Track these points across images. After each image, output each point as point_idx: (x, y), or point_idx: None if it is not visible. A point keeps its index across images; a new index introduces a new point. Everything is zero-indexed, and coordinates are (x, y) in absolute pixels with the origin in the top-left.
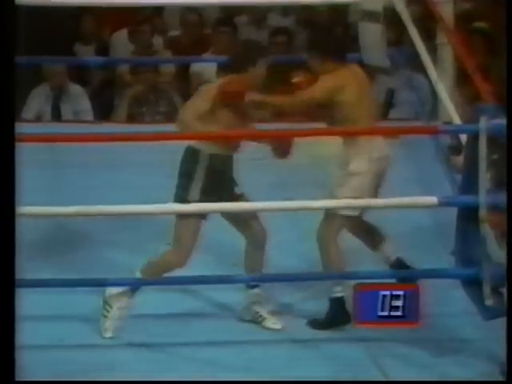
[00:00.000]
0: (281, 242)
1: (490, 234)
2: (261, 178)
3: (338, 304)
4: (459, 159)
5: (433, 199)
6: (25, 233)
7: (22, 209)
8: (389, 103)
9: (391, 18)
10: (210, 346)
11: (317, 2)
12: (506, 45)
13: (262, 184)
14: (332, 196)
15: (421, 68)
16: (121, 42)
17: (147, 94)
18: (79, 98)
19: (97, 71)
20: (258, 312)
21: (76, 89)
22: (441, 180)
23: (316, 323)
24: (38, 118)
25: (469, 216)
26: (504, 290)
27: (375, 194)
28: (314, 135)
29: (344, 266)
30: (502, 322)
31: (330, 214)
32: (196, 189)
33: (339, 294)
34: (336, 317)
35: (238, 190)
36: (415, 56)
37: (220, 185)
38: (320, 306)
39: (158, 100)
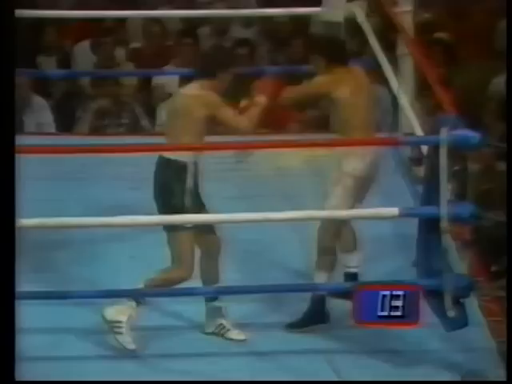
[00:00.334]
0: (247, 252)
1: (451, 245)
2: (226, 189)
3: (318, 302)
4: (420, 170)
5: (394, 210)
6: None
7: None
8: None
9: (352, 29)
10: (177, 358)
11: (278, 13)
12: (506, 46)
13: (227, 195)
14: (327, 195)
15: (382, 79)
16: (83, 53)
17: (110, 107)
18: (42, 110)
19: (59, 83)
20: (221, 324)
21: (39, 101)
22: (402, 191)
23: (292, 324)
24: None
25: (430, 227)
26: (465, 301)
27: (363, 197)
28: (281, 148)
29: (335, 254)
30: (463, 333)
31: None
32: (189, 200)
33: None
34: (313, 315)
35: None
36: (376, 67)
37: (197, 193)
38: (283, 318)
39: (120, 112)
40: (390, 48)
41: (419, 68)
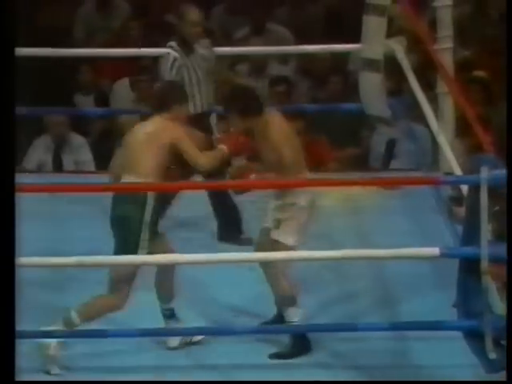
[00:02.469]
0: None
1: (491, 286)
2: None
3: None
4: (460, 210)
5: (434, 250)
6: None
7: (22, 259)
8: (390, 154)
9: (391, 67)
10: None
11: (317, 50)
12: (506, 46)
13: None
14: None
15: (421, 118)
16: (123, 90)
17: None
18: (80, 149)
19: (98, 121)
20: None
21: (77, 139)
22: (442, 231)
23: (279, 355)
24: (39, 169)
25: (470, 268)
26: (505, 342)
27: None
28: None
29: (295, 295)
30: (504, 374)
31: (274, 247)
32: (146, 231)
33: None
34: (297, 345)
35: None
36: (415, 106)
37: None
38: None
39: None
40: (429, 86)
41: (459, 106)
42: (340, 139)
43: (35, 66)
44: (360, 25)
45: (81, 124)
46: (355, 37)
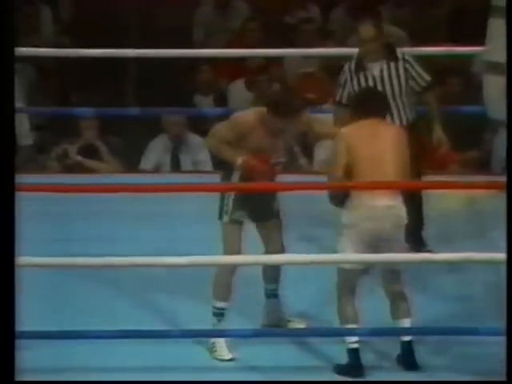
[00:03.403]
0: None
1: None
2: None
3: (353, 355)
4: None
5: None
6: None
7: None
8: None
9: None
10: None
11: (440, 52)
12: (506, 45)
13: None
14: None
15: None
16: (238, 91)
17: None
18: (198, 149)
19: (216, 121)
20: (285, 318)
21: (195, 139)
22: None
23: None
24: (157, 169)
25: None
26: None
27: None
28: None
29: (356, 321)
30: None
31: (338, 269)
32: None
33: (355, 346)
34: (350, 368)
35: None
36: None
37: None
38: None
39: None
40: None
41: None
42: (462, 142)
43: (153, 66)
44: (482, 26)
45: (199, 124)
46: (476, 39)
